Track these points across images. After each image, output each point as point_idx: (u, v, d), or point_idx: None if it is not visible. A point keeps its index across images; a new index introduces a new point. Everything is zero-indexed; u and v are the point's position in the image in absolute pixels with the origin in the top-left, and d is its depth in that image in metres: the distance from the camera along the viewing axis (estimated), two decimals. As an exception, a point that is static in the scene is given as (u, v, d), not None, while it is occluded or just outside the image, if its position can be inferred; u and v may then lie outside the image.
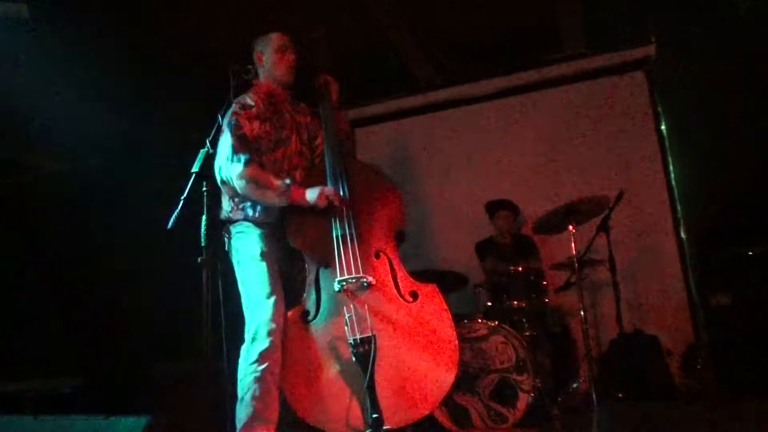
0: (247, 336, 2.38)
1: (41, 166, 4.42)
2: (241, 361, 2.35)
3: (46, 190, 4.38)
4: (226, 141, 2.43)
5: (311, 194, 2.45)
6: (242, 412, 2.29)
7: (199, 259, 1.92)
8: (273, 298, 2.42)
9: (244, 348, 2.38)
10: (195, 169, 1.95)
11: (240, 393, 2.33)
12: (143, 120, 4.26)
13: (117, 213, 4.25)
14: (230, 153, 2.41)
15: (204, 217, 1.96)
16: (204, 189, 1.97)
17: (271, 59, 2.67)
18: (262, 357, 2.33)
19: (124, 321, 4.13)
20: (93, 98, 4.00)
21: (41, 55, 3.63)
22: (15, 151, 4.47)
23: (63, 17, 3.45)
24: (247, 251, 2.49)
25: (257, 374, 2.31)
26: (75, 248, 4.32)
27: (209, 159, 2.01)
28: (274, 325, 2.37)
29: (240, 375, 2.33)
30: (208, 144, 2.04)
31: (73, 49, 3.70)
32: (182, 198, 1.89)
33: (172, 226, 1.85)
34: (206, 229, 1.95)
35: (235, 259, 2.52)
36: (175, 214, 1.87)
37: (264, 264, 2.46)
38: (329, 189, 2.49)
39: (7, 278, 3.97)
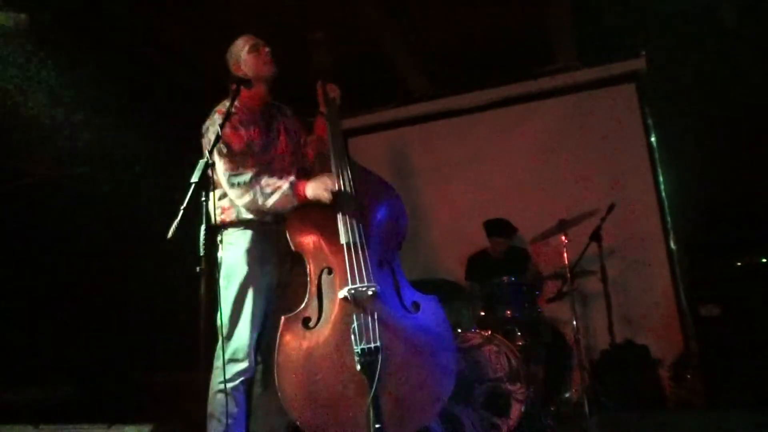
0: (224, 354, 2.39)
1: (38, 173, 4.40)
2: (213, 377, 2.38)
3: (43, 198, 4.35)
4: (220, 164, 2.46)
5: (313, 189, 2.47)
6: (214, 428, 2.33)
7: (197, 269, 1.91)
8: (253, 320, 2.46)
9: (218, 365, 2.39)
10: (194, 179, 1.96)
11: (210, 409, 2.36)
12: (142, 128, 4.26)
13: (115, 221, 4.24)
14: (228, 176, 2.47)
15: (203, 227, 1.96)
16: (203, 199, 1.97)
17: (247, 61, 2.66)
18: (237, 376, 2.41)
19: (121, 330, 4.11)
20: (91, 106, 4.00)
21: (40, 63, 3.63)
22: (11, 158, 4.45)
23: (62, 26, 3.46)
24: (231, 268, 2.50)
25: (230, 392, 2.38)
26: (72, 256, 4.30)
27: (208, 169, 2.01)
28: (252, 347, 2.46)
29: (211, 391, 2.36)
30: (207, 154, 2.04)
31: (71, 57, 3.70)
32: (182, 208, 1.89)
33: (172, 236, 1.86)
34: (205, 239, 1.95)
35: (221, 272, 2.51)
36: (175, 223, 1.87)
37: (247, 284, 2.48)
38: (326, 180, 2.49)
39: (3, 286, 3.95)
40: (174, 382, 3.44)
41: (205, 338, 1.95)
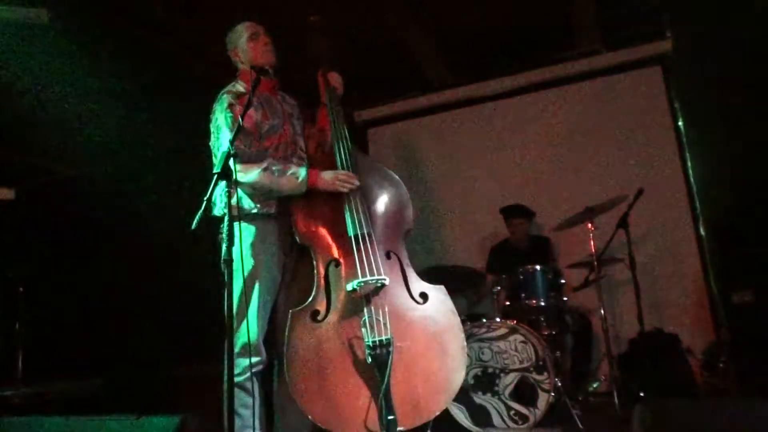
0: (234, 348, 2.33)
1: (58, 170, 4.46)
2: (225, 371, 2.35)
3: (64, 194, 4.41)
4: (225, 137, 2.39)
5: (328, 176, 2.45)
6: (236, 423, 2.30)
7: (222, 259, 1.91)
8: (260, 312, 2.43)
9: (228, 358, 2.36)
10: (216, 170, 1.95)
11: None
12: (160, 123, 4.28)
13: (136, 216, 4.28)
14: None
15: (226, 217, 1.95)
16: (226, 189, 1.96)
17: (246, 49, 2.62)
18: (247, 369, 2.36)
19: (147, 322, 4.16)
20: (109, 103, 4.03)
21: (57, 59, 3.65)
22: (31, 156, 4.51)
23: (79, 22, 3.48)
24: (236, 261, 2.44)
25: (243, 384, 2.34)
26: (97, 251, 4.35)
27: (230, 159, 1.99)
28: (261, 340, 2.42)
29: (225, 386, 2.34)
30: (228, 145, 2.03)
31: (88, 54, 3.72)
32: (204, 199, 1.88)
33: (195, 227, 1.85)
34: (228, 229, 1.94)
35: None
36: (198, 215, 1.86)
37: (252, 277, 2.43)
38: (345, 173, 2.47)
39: (29, 282, 4.01)
40: (201, 373, 3.45)
41: (230, 330, 1.93)
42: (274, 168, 2.44)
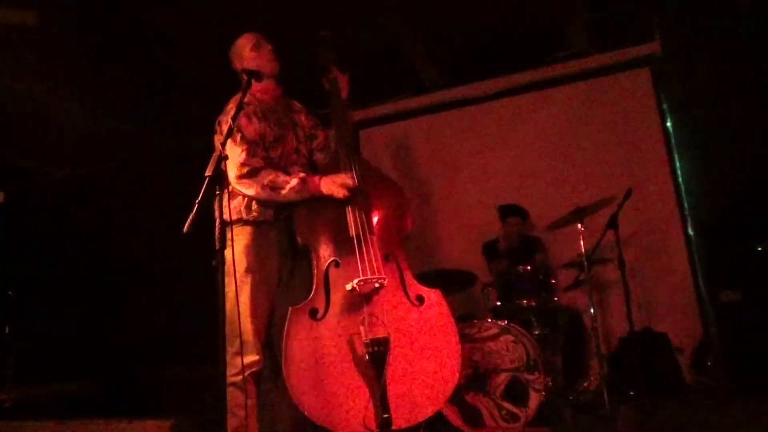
0: (231, 348, 2.35)
1: (49, 172, 4.43)
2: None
3: (55, 196, 4.39)
4: (233, 150, 2.44)
5: (328, 184, 2.50)
6: (230, 422, 2.32)
7: (213, 263, 1.92)
8: (257, 313, 2.46)
9: (227, 359, 2.31)
10: (208, 173, 1.95)
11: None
12: (152, 125, 4.27)
13: (128, 217, 4.27)
14: (239, 163, 2.46)
15: (217, 221, 1.96)
16: (217, 192, 1.97)
17: (250, 59, 2.67)
18: (246, 369, 2.38)
19: (139, 325, 4.15)
20: (99, 104, 4.01)
21: (47, 61, 3.64)
22: (21, 158, 4.49)
23: (70, 23, 3.47)
24: (232, 263, 2.44)
25: (240, 384, 2.36)
26: (89, 253, 4.34)
27: (222, 162, 2.00)
28: (258, 340, 2.45)
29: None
30: (220, 147, 2.03)
31: (79, 55, 3.71)
32: (197, 202, 1.89)
33: (188, 230, 1.85)
34: (219, 232, 1.95)
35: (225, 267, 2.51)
36: (191, 218, 1.87)
37: (251, 278, 2.48)
38: (343, 177, 2.52)
39: (21, 285, 4.00)
40: (194, 375, 3.46)
41: (222, 331, 1.95)
42: (273, 184, 2.48)
